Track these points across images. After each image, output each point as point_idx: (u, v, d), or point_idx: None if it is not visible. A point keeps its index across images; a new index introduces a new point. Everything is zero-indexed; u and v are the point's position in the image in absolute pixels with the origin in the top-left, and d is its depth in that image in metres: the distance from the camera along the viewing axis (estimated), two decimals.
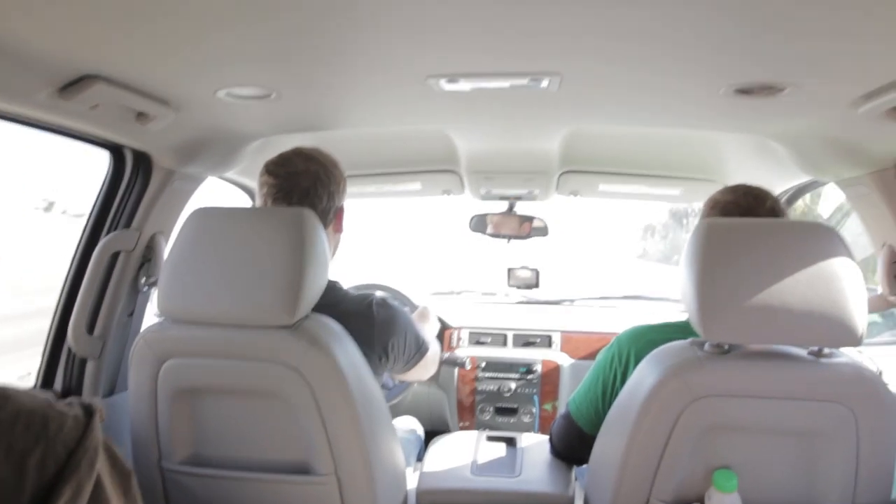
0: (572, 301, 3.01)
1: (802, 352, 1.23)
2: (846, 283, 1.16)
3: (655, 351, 1.29)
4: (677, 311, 2.75)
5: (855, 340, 1.16)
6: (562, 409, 1.74)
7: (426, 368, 1.71)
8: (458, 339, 2.69)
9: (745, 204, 1.41)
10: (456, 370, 2.62)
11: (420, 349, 1.60)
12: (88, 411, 0.71)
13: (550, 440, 1.80)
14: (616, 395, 1.40)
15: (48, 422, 0.67)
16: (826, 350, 1.21)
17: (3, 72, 1.06)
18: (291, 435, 1.31)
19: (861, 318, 1.16)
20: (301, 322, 1.26)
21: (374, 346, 1.45)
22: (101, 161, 1.60)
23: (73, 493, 0.66)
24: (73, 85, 1.15)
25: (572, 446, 1.67)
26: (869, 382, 1.17)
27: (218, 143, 1.66)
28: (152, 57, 1.12)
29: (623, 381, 1.39)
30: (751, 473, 1.23)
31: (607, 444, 1.38)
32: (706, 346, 1.22)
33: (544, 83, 1.23)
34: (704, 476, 1.24)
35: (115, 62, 1.13)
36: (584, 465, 1.70)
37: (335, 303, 1.42)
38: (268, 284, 1.23)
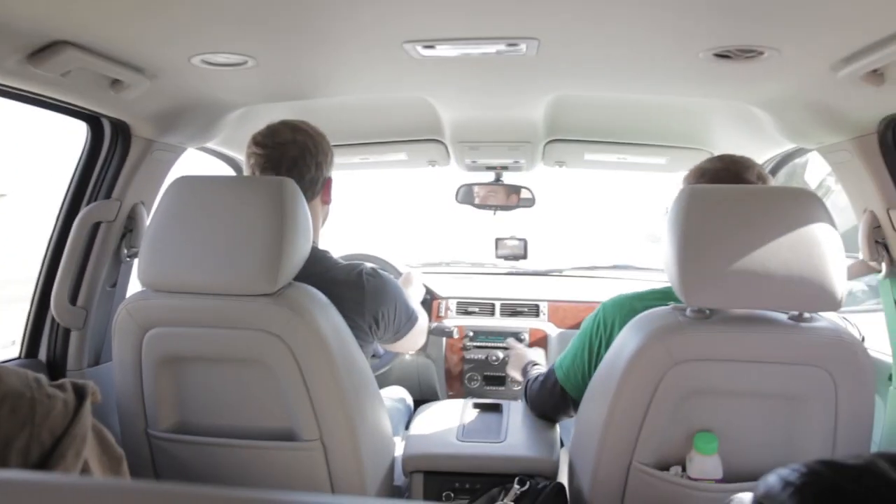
0: (560, 271, 3.02)
1: (783, 316, 1.24)
2: (826, 248, 1.17)
3: (637, 317, 1.30)
4: (664, 281, 2.76)
5: (834, 305, 1.17)
6: (545, 369, 1.75)
7: (415, 339, 1.73)
8: (447, 308, 2.70)
9: (734, 169, 1.42)
10: (444, 340, 2.63)
11: (410, 319, 1.61)
12: (80, 394, 0.70)
13: (527, 397, 1.82)
14: (600, 360, 1.42)
15: (35, 406, 0.65)
16: (806, 315, 1.22)
17: None
18: (276, 402, 1.32)
19: (840, 282, 1.17)
20: (283, 290, 1.27)
21: (364, 315, 1.46)
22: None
23: None
24: (43, 51, 1.13)
25: (557, 408, 1.70)
26: (847, 346, 1.19)
27: (196, 113, 1.64)
28: (123, 21, 1.10)
29: (607, 347, 1.40)
30: (731, 436, 1.25)
31: (590, 409, 1.40)
32: (688, 312, 1.23)
33: (522, 48, 1.22)
34: (685, 439, 1.26)
35: (86, 27, 1.11)
36: (568, 429, 1.73)
37: (324, 271, 1.43)
38: (249, 253, 1.23)
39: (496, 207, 2.55)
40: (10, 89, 1.24)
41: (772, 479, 0.56)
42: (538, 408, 1.78)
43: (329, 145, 1.54)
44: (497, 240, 2.82)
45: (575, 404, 1.60)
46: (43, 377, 0.69)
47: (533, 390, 1.78)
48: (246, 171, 1.49)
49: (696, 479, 1.24)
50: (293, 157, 1.45)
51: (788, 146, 1.90)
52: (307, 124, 1.51)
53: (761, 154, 2.01)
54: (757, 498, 0.57)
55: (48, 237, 1.62)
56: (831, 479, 0.54)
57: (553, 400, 1.68)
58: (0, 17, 1.01)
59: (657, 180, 2.68)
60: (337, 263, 1.49)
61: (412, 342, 1.73)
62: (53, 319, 1.60)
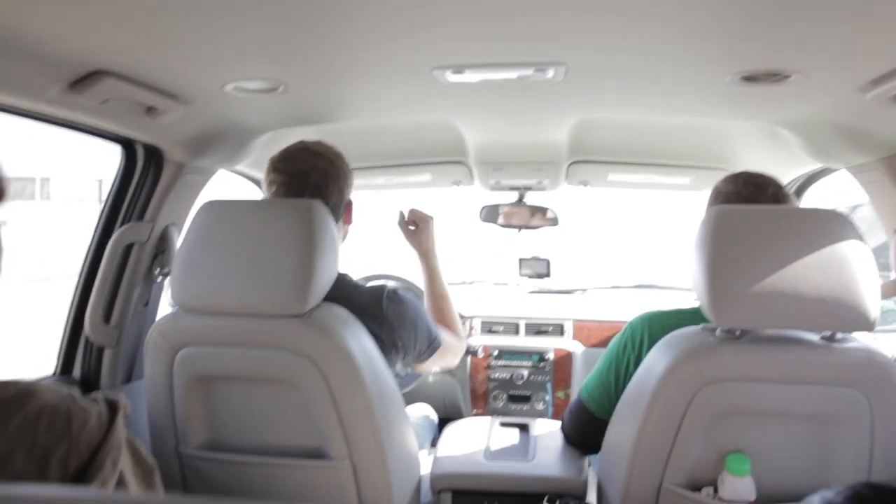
0: (584, 290, 3.01)
1: (815, 337, 1.23)
2: (858, 268, 1.16)
3: (667, 336, 1.29)
4: (689, 299, 2.74)
5: (868, 325, 1.16)
6: (574, 397, 1.74)
7: (442, 361, 1.69)
8: (471, 327, 2.71)
9: (746, 193, 1.42)
10: (469, 358, 2.64)
11: (432, 344, 1.59)
12: (112, 407, 0.71)
13: (562, 429, 1.81)
14: (629, 379, 1.41)
15: (72, 419, 0.67)
16: (839, 335, 1.21)
17: (15, 67, 1.08)
18: (306, 420, 1.33)
19: (873, 302, 1.16)
20: (312, 311, 1.28)
21: (383, 339, 1.46)
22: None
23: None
24: (84, 80, 1.17)
25: (585, 433, 1.67)
26: (881, 366, 1.17)
27: (227, 137, 1.68)
28: (161, 52, 1.13)
29: (636, 366, 1.40)
30: (764, 457, 1.23)
31: (620, 429, 1.39)
32: (718, 332, 1.22)
33: (549, 73, 1.23)
34: (717, 460, 1.25)
35: (125, 57, 1.15)
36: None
37: (345, 295, 1.42)
38: (279, 274, 1.25)
39: (520, 227, 2.55)
40: (50, 116, 1.28)
41: (815, 501, 0.56)
42: (572, 436, 1.76)
43: (349, 167, 1.53)
44: (521, 260, 2.82)
45: (599, 423, 1.59)
46: (76, 391, 0.71)
47: (565, 420, 1.76)
48: (266, 197, 1.48)
49: (728, 501, 1.23)
50: (315, 183, 1.44)
51: (815, 165, 1.89)
52: (325, 146, 1.50)
53: (787, 173, 2.00)
54: None
55: (83, 258, 1.67)
56: (875, 501, 0.54)
57: (581, 423, 1.67)
58: (43, 47, 1.04)
59: (684, 198, 2.66)
60: (358, 287, 1.49)
61: (438, 364, 1.70)
62: (87, 338, 1.63)
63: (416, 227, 1.78)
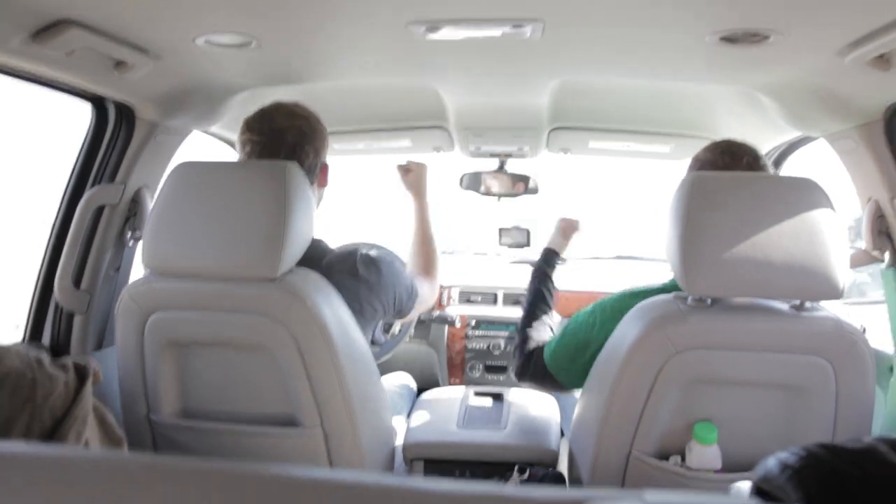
0: (564, 260, 3.02)
1: (784, 305, 1.24)
2: (828, 237, 1.17)
3: (638, 305, 1.30)
4: (667, 270, 2.75)
5: (835, 294, 1.17)
6: (529, 351, 1.69)
7: (421, 309, 1.71)
8: (449, 297, 2.71)
9: (721, 162, 1.41)
10: (446, 328, 2.64)
11: (410, 297, 1.60)
12: (81, 375, 0.70)
13: (517, 373, 1.75)
14: (588, 353, 1.44)
15: (36, 386, 0.66)
16: (808, 304, 1.22)
17: None
18: (278, 388, 1.32)
19: (842, 272, 1.17)
20: (285, 276, 1.27)
21: (361, 302, 1.45)
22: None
23: None
24: (47, 30, 1.13)
25: (540, 383, 1.68)
26: (848, 336, 1.19)
27: (201, 95, 1.64)
28: (128, 2, 1.10)
29: (598, 347, 1.40)
30: (731, 426, 1.25)
31: (590, 399, 1.40)
32: (689, 300, 1.23)
33: (526, 30, 1.21)
34: (685, 428, 1.26)
35: (90, 6, 1.11)
36: (569, 417, 1.72)
37: (319, 259, 1.42)
38: (252, 238, 1.23)
39: (500, 195, 2.54)
40: (14, 69, 1.25)
41: (770, 463, 0.56)
42: (527, 382, 1.74)
43: (325, 129, 1.50)
44: (500, 230, 2.82)
45: (558, 384, 1.60)
46: (45, 357, 0.69)
47: (522, 365, 1.73)
48: (240, 158, 1.45)
49: (695, 469, 1.24)
50: (291, 143, 1.41)
51: (794, 134, 1.90)
52: (301, 106, 1.47)
53: (767, 142, 2.01)
54: (756, 483, 0.56)
55: (51, 220, 1.63)
56: (830, 462, 0.54)
57: (537, 377, 1.66)
58: None
59: (666, 169, 2.66)
60: (332, 251, 1.48)
61: (417, 313, 1.72)
62: (57, 303, 1.60)
63: (411, 171, 1.86)
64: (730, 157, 1.41)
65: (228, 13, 1.17)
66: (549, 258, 1.89)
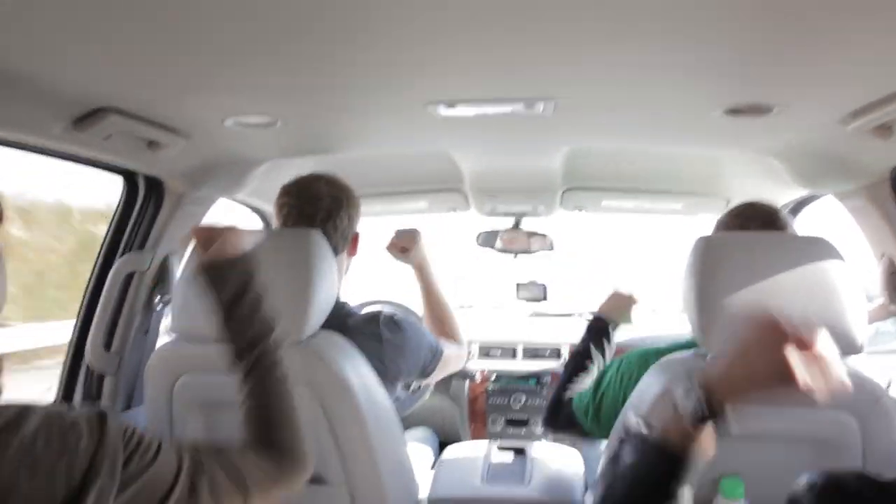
0: (581, 314, 3.03)
1: None
2: (844, 293, 1.17)
3: (660, 361, 1.31)
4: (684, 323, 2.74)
5: (855, 349, 1.17)
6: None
7: (446, 370, 1.70)
8: (468, 352, 2.71)
9: (735, 226, 1.42)
10: (467, 382, 2.65)
11: (435, 357, 1.60)
12: (101, 416, 0.74)
13: (545, 420, 1.73)
14: (607, 403, 1.45)
15: (67, 433, 0.70)
16: None
17: (20, 106, 1.11)
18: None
19: (860, 327, 1.17)
20: (310, 339, 1.30)
21: (385, 363, 1.46)
22: None
23: (97, 496, 0.69)
24: (87, 117, 1.20)
25: (561, 423, 1.65)
26: (871, 389, 1.18)
27: (227, 168, 1.71)
28: (162, 89, 1.17)
29: (622, 399, 1.41)
30: (758, 481, 1.23)
31: None
32: (709, 357, 1.24)
33: (539, 107, 1.27)
34: (711, 484, 1.25)
35: (128, 95, 1.19)
36: (594, 471, 1.71)
37: (343, 320, 1.44)
38: (276, 302, 1.27)
39: (516, 252, 2.58)
40: (54, 152, 1.32)
41: (800, 482, 0.59)
42: (554, 426, 1.70)
43: (359, 200, 1.55)
44: (518, 285, 2.84)
45: (585, 433, 1.59)
46: (63, 409, 0.73)
47: (550, 412, 1.70)
48: (277, 222, 1.50)
49: None
50: (328, 209, 1.46)
51: (803, 191, 1.92)
52: (336, 177, 1.52)
53: (778, 198, 2.03)
54: (788, 498, 0.59)
55: (84, 287, 1.69)
56: (855, 486, 0.56)
57: (566, 426, 1.63)
58: (49, 86, 1.08)
59: (680, 224, 2.68)
60: (355, 313, 1.50)
61: (443, 372, 1.70)
62: (88, 365, 1.65)
63: (405, 249, 1.78)
64: (744, 220, 1.42)
65: (255, 97, 1.24)
66: (605, 323, 1.73)
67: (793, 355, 0.78)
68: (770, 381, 0.80)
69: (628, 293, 1.75)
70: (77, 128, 1.21)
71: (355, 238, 1.56)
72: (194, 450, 0.86)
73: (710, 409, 0.83)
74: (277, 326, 1.07)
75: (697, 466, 0.85)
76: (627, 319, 1.73)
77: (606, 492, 0.85)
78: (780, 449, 1.24)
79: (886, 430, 1.19)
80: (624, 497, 0.83)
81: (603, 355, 1.70)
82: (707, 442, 0.84)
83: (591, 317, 1.76)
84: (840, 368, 0.82)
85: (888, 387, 1.65)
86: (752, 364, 0.82)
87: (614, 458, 0.88)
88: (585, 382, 1.68)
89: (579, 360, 1.71)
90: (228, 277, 1.04)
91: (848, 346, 1.17)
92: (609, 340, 1.71)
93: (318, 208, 1.46)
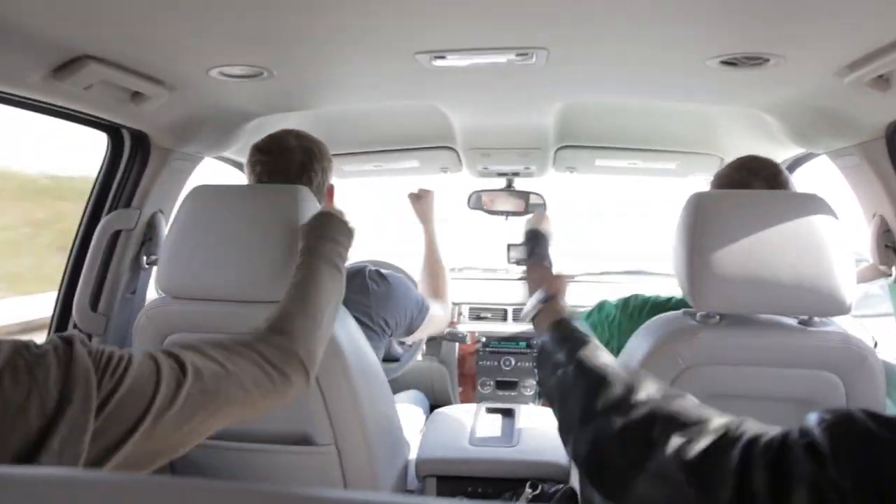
0: (573, 276, 3.03)
1: (792, 321, 1.25)
2: (834, 252, 1.17)
3: (648, 322, 1.31)
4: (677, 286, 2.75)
5: (843, 309, 1.17)
6: None
7: (432, 327, 1.73)
8: (459, 314, 2.72)
9: (739, 179, 1.41)
10: (457, 345, 2.66)
11: (421, 312, 1.62)
12: (67, 341, 0.72)
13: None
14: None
15: (35, 368, 0.67)
16: (816, 319, 1.23)
17: None
18: (292, 407, 1.33)
19: (849, 287, 1.17)
20: None
21: (372, 318, 1.47)
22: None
23: (69, 426, 0.67)
24: (67, 66, 1.17)
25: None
26: (855, 349, 1.19)
27: (214, 123, 1.68)
28: (145, 37, 1.13)
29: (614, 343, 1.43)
30: None
31: None
32: (697, 317, 1.24)
33: (531, 58, 1.24)
34: None
35: (108, 42, 1.15)
36: None
37: None
38: (265, 260, 1.25)
39: (508, 213, 2.57)
40: (33, 102, 1.28)
41: (811, 417, 0.59)
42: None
43: (329, 153, 1.53)
44: (509, 245, 2.84)
45: None
46: (30, 342, 0.71)
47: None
48: (250, 180, 1.48)
49: None
50: (301, 161, 1.45)
51: (798, 150, 1.91)
52: (306, 133, 1.51)
53: (772, 158, 2.02)
54: (798, 430, 0.60)
55: (70, 245, 1.67)
56: (865, 422, 0.56)
57: None
58: (26, 32, 1.04)
59: (675, 184, 2.67)
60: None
61: (428, 331, 1.73)
62: (75, 325, 1.64)
63: (420, 197, 2.00)
64: (746, 173, 1.40)
65: (240, 46, 1.21)
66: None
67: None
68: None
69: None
70: (56, 77, 1.17)
71: (330, 190, 1.55)
72: (173, 354, 0.84)
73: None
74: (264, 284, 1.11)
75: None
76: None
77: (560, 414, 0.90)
78: (767, 408, 1.25)
79: (871, 390, 1.20)
80: (557, 393, 0.90)
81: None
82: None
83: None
84: None
85: (875, 347, 1.67)
86: None
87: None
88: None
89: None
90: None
91: (836, 307, 1.17)
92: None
93: (290, 162, 1.45)
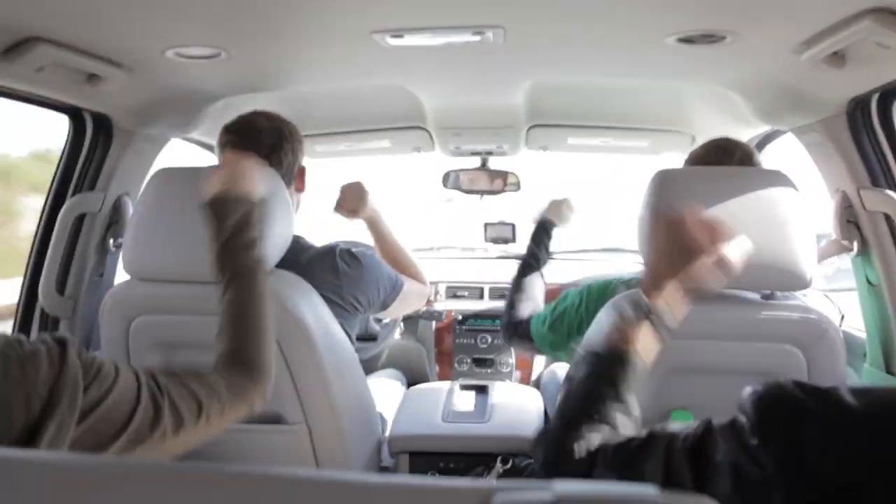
0: (550, 254, 3.03)
1: (755, 295, 1.26)
2: (795, 228, 1.19)
3: (612, 299, 1.32)
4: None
5: (803, 284, 1.19)
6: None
7: (406, 303, 1.71)
8: (436, 293, 2.73)
9: (714, 158, 1.42)
10: (433, 323, 2.67)
11: (395, 288, 1.61)
12: (61, 343, 0.73)
13: (504, 333, 1.88)
14: (568, 330, 1.50)
15: (26, 363, 0.68)
16: (778, 294, 1.24)
17: None
18: None
19: (809, 263, 1.19)
20: None
21: (343, 297, 1.47)
22: None
23: (56, 428, 0.68)
24: (16, 48, 1.15)
25: (517, 337, 1.78)
26: (815, 322, 1.21)
27: (176, 104, 1.66)
28: (96, 17, 1.12)
29: (581, 327, 1.44)
30: (707, 413, 1.26)
31: None
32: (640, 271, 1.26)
33: (488, 36, 1.24)
34: (661, 417, 1.28)
35: (58, 23, 1.13)
36: (553, 405, 1.76)
37: (298, 256, 1.43)
38: None
39: (482, 192, 2.57)
40: None
41: (745, 392, 0.62)
42: (511, 342, 1.87)
43: (301, 134, 1.51)
44: (486, 224, 2.84)
45: (531, 345, 1.70)
46: (22, 337, 0.72)
47: (506, 320, 1.84)
48: (220, 161, 1.46)
49: None
50: (271, 143, 1.43)
51: (765, 128, 1.92)
52: (277, 115, 1.49)
53: (740, 136, 2.02)
54: (736, 416, 0.63)
55: (34, 229, 1.65)
56: (792, 392, 0.58)
57: (522, 345, 1.79)
58: None
59: (651, 163, 2.68)
60: (311, 247, 1.50)
61: (404, 307, 1.72)
62: (43, 309, 1.63)
63: (344, 201, 1.77)
64: (723, 153, 1.42)
65: (195, 26, 1.19)
66: (546, 224, 1.96)
67: (702, 236, 0.88)
68: (686, 260, 0.89)
69: (564, 199, 1.98)
70: (6, 59, 1.16)
71: (301, 172, 1.54)
72: (152, 375, 0.85)
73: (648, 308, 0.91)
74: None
75: (644, 366, 0.91)
76: (566, 220, 1.98)
77: (562, 405, 0.89)
78: (728, 382, 1.26)
79: (831, 363, 1.22)
80: (578, 405, 0.87)
81: (546, 250, 1.95)
82: (648, 339, 0.91)
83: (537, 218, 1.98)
84: (746, 245, 0.92)
85: (841, 321, 1.69)
86: (669, 254, 0.91)
87: (569, 378, 0.93)
88: (536, 285, 1.86)
89: (527, 260, 1.91)
90: (233, 212, 1.08)
91: (796, 282, 1.19)
92: (549, 237, 1.96)
93: (259, 143, 1.42)
